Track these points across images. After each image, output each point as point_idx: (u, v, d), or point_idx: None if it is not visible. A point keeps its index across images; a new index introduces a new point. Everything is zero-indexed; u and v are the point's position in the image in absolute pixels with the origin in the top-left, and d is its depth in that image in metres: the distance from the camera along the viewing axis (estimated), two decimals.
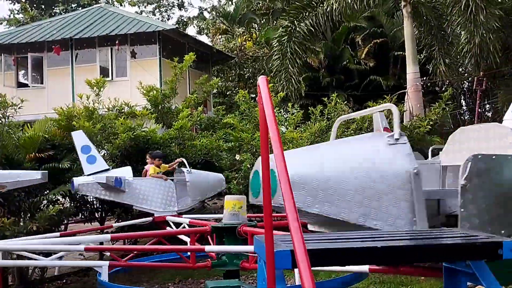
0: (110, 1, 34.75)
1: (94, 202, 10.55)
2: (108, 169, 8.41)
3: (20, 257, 6.88)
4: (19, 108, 10.36)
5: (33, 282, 8.92)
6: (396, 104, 11.02)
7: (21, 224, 8.37)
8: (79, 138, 8.53)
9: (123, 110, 12.95)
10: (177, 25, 34.60)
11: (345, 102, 14.55)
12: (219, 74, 25.08)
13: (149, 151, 9.86)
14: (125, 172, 8.46)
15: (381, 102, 10.68)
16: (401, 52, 17.87)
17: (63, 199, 10.10)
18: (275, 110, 14.94)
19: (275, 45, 12.37)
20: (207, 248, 5.69)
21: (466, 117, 19.55)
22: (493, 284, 2.33)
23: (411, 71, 10.87)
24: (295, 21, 11.73)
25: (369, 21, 19.02)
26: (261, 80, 2.29)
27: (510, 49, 13.79)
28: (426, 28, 11.89)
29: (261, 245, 2.28)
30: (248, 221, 6.66)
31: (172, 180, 9.01)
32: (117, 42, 18.63)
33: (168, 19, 40.58)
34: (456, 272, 2.56)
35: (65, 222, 9.85)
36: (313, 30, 11.67)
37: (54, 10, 35.83)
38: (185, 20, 40.02)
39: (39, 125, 10.24)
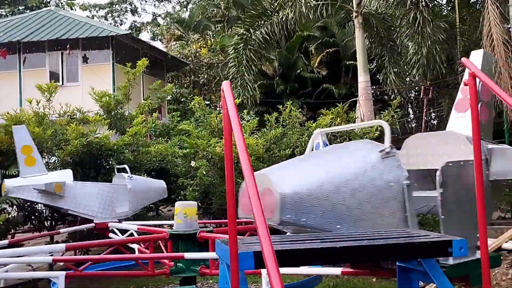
0: (60, 4, 33.84)
1: (44, 210, 10.22)
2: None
3: None
4: None
5: None
6: (348, 112, 11.33)
7: None
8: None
9: (74, 116, 12.66)
10: (130, 31, 34.09)
11: (299, 109, 14.79)
12: (174, 81, 24.89)
13: None
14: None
15: (333, 110, 10.94)
16: (352, 62, 18.39)
17: (10, 208, 9.75)
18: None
19: (231, 52, 12.45)
20: (186, 255, 5.63)
21: (413, 125, 20.29)
22: (443, 281, 2.47)
23: (362, 80, 11.22)
24: (251, 29, 11.86)
25: (322, 31, 19.45)
26: (225, 85, 2.33)
27: (454, 60, 14.47)
28: (377, 39, 12.31)
29: (223, 248, 2.32)
30: (200, 228, 6.70)
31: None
32: (68, 46, 18.17)
33: (120, 24, 39.95)
34: (409, 270, 2.69)
35: (12, 231, 9.49)
36: (268, 38, 11.83)
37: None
38: (139, 25, 39.54)
39: None
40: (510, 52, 7.64)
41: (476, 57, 4.98)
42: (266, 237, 1.64)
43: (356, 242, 2.29)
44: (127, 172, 8.65)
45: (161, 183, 9.34)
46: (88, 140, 9.96)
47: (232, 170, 2.09)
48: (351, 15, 11.64)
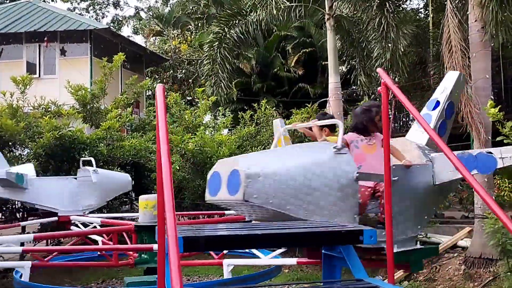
0: None
1: (16, 202, 10.32)
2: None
3: None
4: None
5: None
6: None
7: None
8: None
9: (49, 109, 12.77)
10: (112, 24, 33.90)
11: (274, 108, 15.10)
12: (153, 76, 25.00)
13: None
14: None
15: (303, 110, 11.27)
16: (344, 64, 18.80)
17: None
18: (206, 114, 15.13)
19: (206, 50, 12.68)
20: (155, 247, 5.79)
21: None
22: (357, 266, 2.78)
23: (333, 80, 11.55)
24: (226, 28, 12.10)
25: (299, 30, 19.76)
26: (158, 89, 2.61)
27: (426, 63, 14.92)
28: (349, 41, 12.65)
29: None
30: None
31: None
32: (45, 39, 18.17)
33: (102, 17, 39.64)
34: (332, 257, 3.01)
35: None
36: (242, 37, 12.08)
37: None
38: (120, 19, 39.33)
39: None
40: (467, 60, 8.03)
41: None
42: (172, 223, 1.93)
43: (279, 230, 2.59)
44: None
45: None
46: (60, 133, 10.12)
47: (168, 163, 2.36)
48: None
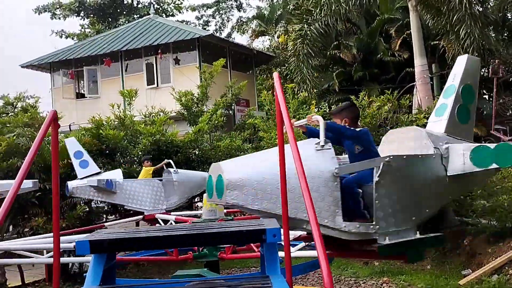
0: (167, 10, 36.48)
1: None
2: (99, 172, 9.26)
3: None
4: (60, 119, 11.74)
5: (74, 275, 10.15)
6: (401, 97, 11.10)
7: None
8: (72, 145, 9.34)
9: (158, 116, 14.10)
10: (236, 27, 34.97)
11: (379, 96, 14.71)
12: (265, 74, 25.80)
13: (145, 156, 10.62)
14: (115, 174, 9.27)
15: (383, 97, 10.84)
16: (438, 42, 17.61)
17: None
18: (301, 108, 15.32)
19: (290, 48, 12.90)
20: None
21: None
22: (271, 263, 2.91)
23: (419, 63, 10.98)
24: (306, 25, 12.18)
25: (404, 11, 18.83)
26: (275, 77, 3.06)
27: None
28: (438, 19, 11.85)
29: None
30: (225, 216, 7.42)
31: (161, 180, 9.74)
32: (159, 51, 19.95)
33: (228, 21, 41.45)
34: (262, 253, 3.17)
35: (96, 220, 11.06)
36: (323, 32, 12.04)
37: (118, 23, 38.23)
38: (244, 20, 40.77)
39: (74, 134, 11.59)
40: None
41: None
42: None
43: (185, 231, 2.85)
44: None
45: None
46: (154, 138, 11.22)
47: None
48: None
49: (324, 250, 2.20)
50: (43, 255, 8.02)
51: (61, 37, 32.95)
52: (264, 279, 2.73)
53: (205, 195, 7.77)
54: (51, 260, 6.55)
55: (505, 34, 11.56)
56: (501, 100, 17.54)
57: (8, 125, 12.04)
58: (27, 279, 10.14)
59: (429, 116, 10.10)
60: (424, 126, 10.25)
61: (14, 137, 10.23)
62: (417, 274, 8.66)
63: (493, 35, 15.29)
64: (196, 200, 12.62)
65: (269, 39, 24.89)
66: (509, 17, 11.66)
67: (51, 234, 7.86)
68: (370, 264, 9.88)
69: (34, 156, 3.03)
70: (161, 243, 2.84)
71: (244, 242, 2.90)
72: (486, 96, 20.04)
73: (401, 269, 9.22)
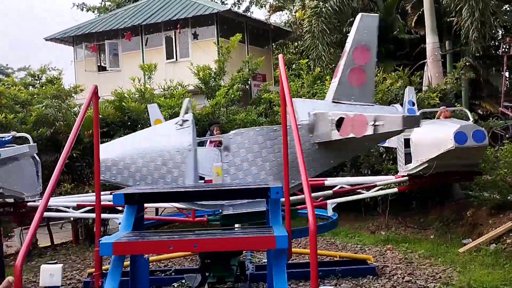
0: None
1: None
2: None
3: None
4: (82, 91, 12.41)
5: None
6: (412, 74, 11.41)
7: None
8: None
9: (177, 90, 14.63)
10: (254, 1, 34.86)
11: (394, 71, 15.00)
12: (282, 48, 26.06)
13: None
14: None
15: (394, 74, 11.16)
16: (454, 18, 17.67)
17: None
18: (315, 84, 15.66)
19: (305, 25, 13.21)
20: None
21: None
22: (274, 217, 3.46)
23: (430, 41, 11.24)
24: (321, 2, 12.45)
25: None
26: (280, 59, 3.64)
27: None
28: None
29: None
30: None
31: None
32: (178, 26, 20.37)
33: None
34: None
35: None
36: (337, 9, 12.31)
37: None
38: None
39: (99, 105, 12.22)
40: None
41: (355, 22, 5.02)
42: None
43: (203, 188, 3.40)
44: None
45: None
46: (174, 111, 11.76)
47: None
48: None
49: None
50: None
51: (82, 10, 33.36)
52: (268, 228, 3.28)
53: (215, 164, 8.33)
54: (90, 215, 7.21)
55: None
56: None
57: (36, 96, 12.70)
58: (55, 241, 10.95)
59: (439, 94, 10.52)
60: (433, 106, 10.64)
61: (43, 108, 10.87)
62: (420, 243, 9.19)
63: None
64: None
65: (286, 14, 25.13)
66: None
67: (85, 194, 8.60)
68: (377, 233, 10.46)
69: (80, 126, 3.58)
70: (182, 197, 3.40)
71: (252, 197, 3.43)
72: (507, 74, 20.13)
73: (405, 238, 9.76)
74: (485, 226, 9.14)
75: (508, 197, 9.08)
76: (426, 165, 6.71)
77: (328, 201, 7.41)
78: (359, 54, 4.85)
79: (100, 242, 3.01)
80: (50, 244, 10.81)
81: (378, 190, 7.86)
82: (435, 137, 6.51)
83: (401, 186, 8.06)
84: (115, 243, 2.92)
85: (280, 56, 3.95)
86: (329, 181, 7.61)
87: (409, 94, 8.59)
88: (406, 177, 7.49)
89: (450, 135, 6.07)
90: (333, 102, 4.86)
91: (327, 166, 4.84)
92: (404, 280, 6.83)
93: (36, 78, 17.56)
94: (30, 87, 16.33)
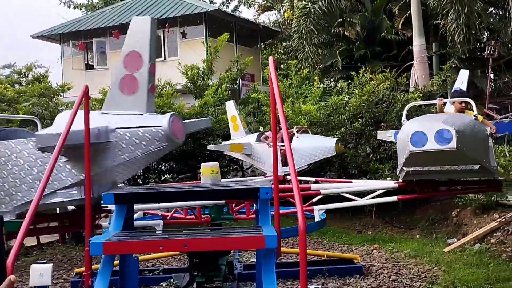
0: None
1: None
2: None
3: None
4: (69, 90, 12.32)
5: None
6: (399, 75, 11.54)
7: None
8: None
9: (165, 89, 14.59)
10: (239, 3, 34.94)
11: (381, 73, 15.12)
12: (271, 48, 26.10)
13: None
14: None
15: (381, 76, 11.27)
16: (440, 21, 17.88)
17: None
18: (304, 84, 15.73)
19: (294, 26, 13.28)
20: None
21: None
22: (263, 216, 3.50)
23: (417, 43, 11.39)
24: (310, 3, 12.53)
25: None
26: (270, 60, 3.60)
27: None
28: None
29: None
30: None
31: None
32: (166, 25, 20.30)
33: None
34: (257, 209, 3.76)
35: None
36: (325, 10, 12.40)
37: None
38: None
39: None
40: None
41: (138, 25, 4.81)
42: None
43: (194, 189, 3.44)
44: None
45: (330, 141, 10.21)
46: (162, 110, 11.76)
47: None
48: None
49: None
50: None
51: (69, 7, 33.00)
52: (257, 228, 3.32)
53: (202, 164, 8.35)
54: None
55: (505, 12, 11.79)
56: (505, 80, 17.92)
57: (22, 94, 12.60)
58: (42, 240, 10.85)
59: (424, 95, 10.65)
60: (419, 106, 10.75)
61: (30, 106, 10.80)
62: (406, 242, 9.31)
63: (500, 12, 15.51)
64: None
65: (275, 14, 25.18)
66: None
67: None
68: (363, 233, 10.57)
69: (71, 126, 3.58)
70: (173, 198, 3.43)
71: (243, 198, 3.47)
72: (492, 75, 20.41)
73: (391, 237, 9.89)
74: (469, 226, 9.28)
75: (492, 198, 9.23)
76: (404, 172, 5.73)
77: (315, 207, 7.38)
78: (130, 60, 4.63)
79: (91, 241, 3.03)
80: (36, 243, 10.72)
81: (374, 198, 7.22)
82: (401, 138, 5.50)
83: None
84: (106, 242, 2.94)
85: (270, 58, 3.97)
86: (325, 190, 7.09)
87: (462, 76, 8.32)
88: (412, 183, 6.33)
89: (407, 137, 5.13)
90: (102, 113, 4.71)
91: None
92: (390, 279, 6.91)
93: (23, 76, 17.40)
94: (16, 85, 16.19)
